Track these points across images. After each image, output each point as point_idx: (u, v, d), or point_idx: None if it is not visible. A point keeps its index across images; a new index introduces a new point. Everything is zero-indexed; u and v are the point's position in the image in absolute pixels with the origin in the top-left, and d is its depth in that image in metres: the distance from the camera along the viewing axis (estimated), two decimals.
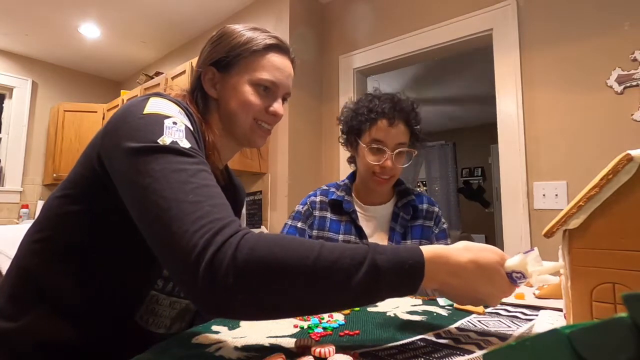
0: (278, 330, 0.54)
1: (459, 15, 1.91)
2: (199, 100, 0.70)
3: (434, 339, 0.50)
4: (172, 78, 2.60)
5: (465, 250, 0.47)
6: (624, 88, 1.43)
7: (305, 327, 0.56)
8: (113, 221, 0.55)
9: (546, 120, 1.61)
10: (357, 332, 0.53)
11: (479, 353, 0.44)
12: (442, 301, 0.71)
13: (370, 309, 0.67)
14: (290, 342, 0.49)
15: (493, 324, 0.57)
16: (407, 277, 0.44)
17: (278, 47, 0.70)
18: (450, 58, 2.54)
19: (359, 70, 2.35)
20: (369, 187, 1.09)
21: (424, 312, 0.64)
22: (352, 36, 2.39)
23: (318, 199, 1.12)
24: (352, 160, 1.16)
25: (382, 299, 0.45)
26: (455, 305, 0.67)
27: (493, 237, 5.29)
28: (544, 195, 1.58)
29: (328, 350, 0.43)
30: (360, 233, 1.06)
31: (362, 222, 1.08)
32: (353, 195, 1.13)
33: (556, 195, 1.55)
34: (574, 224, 0.43)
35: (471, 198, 5.79)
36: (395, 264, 0.43)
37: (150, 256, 0.47)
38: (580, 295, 0.42)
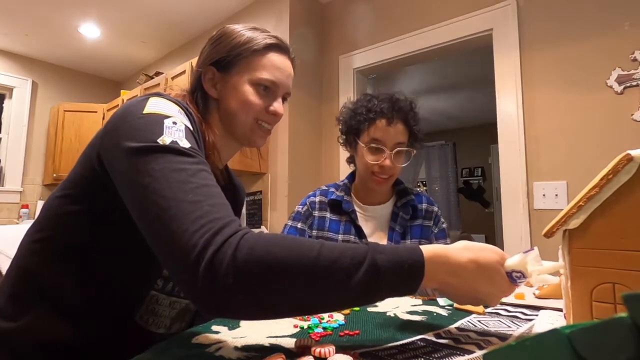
0: (278, 330, 0.54)
1: (459, 15, 1.91)
2: (199, 100, 0.70)
3: (434, 339, 0.50)
4: (172, 78, 2.60)
5: (465, 250, 0.47)
6: (624, 88, 1.43)
7: (305, 327, 0.56)
8: (113, 221, 0.55)
9: (546, 120, 1.61)
10: (357, 332, 0.53)
11: (479, 353, 0.44)
12: (442, 301, 0.71)
13: (370, 309, 0.67)
14: (290, 342, 0.49)
15: (493, 324, 0.57)
16: (407, 276, 0.43)
17: (278, 47, 0.70)
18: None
19: (359, 70, 2.35)
20: (368, 187, 1.09)
21: (424, 312, 0.64)
22: (352, 36, 2.39)
23: (317, 199, 1.12)
24: (351, 160, 1.16)
25: (382, 299, 0.45)
26: (455, 305, 0.67)
27: (493, 237, 5.29)
28: (544, 195, 1.58)
29: (328, 350, 0.43)
30: (360, 233, 1.06)
31: (362, 222, 1.08)
32: (352, 195, 1.13)
33: (556, 195, 1.55)
34: (574, 224, 0.43)
35: (471, 198, 5.79)
36: (395, 264, 0.43)
37: (150, 256, 0.47)
38: (580, 295, 0.42)
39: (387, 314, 0.63)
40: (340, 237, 1.06)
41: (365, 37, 2.32)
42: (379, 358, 0.43)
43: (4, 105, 3.49)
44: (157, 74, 3.11)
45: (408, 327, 0.56)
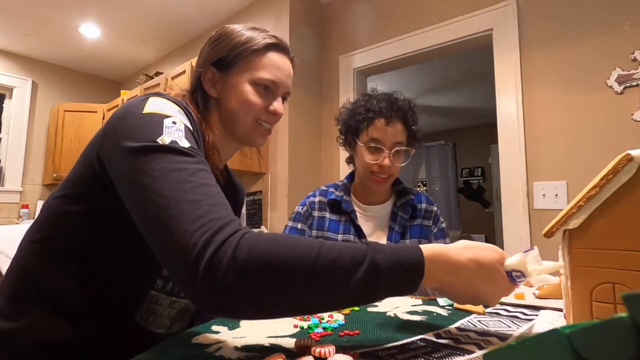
0: (278, 330, 0.54)
1: (459, 15, 1.91)
2: (199, 100, 0.70)
3: (434, 339, 0.50)
4: (172, 78, 2.60)
5: (465, 249, 0.47)
6: (624, 88, 1.43)
7: (305, 327, 0.56)
8: (113, 221, 0.55)
9: (546, 120, 1.61)
10: (357, 332, 0.53)
11: (479, 353, 0.44)
12: (442, 301, 0.71)
13: (370, 309, 0.67)
14: (290, 342, 0.49)
15: (493, 324, 0.57)
16: (406, 276, 0.43)
17: (278, 47, 0.70)
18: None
19: (359, 70, 2.35)
20: (367, 187, 1.09)
21: (424, 312, 0.64)
22: (352, 36, 2.39)
23: (317, 199, 1.12)
24: (350, 160, 1.16)
25: (382, 298, 0.45)
26: (455, 305, 0.67)
27: (493, 237, 5.29)
28: (544, 195, 1.58)
29: (328, 350, 0.43)
30: (359, 232, 1.06)
31: (361, 222, 1.08)
32: (352, 195, 1.13)
33: (556, 195, 1.55)
34: (574, 224, 0.43)
35: (471, 198, 5.79)
36: (394, 263, 0.43)
37: (150, 256, 0.47)
38: (580, 295, 0.42)
39: (387, 314, 0.63)
40: (339, 236, 1.06)
41: (365, 37, 2.31)
42: (379, 358, 0.43)
43: (4, 105, 3.49)
44: (157, 74, 3.11)
45: (408, 327, 0.56)
